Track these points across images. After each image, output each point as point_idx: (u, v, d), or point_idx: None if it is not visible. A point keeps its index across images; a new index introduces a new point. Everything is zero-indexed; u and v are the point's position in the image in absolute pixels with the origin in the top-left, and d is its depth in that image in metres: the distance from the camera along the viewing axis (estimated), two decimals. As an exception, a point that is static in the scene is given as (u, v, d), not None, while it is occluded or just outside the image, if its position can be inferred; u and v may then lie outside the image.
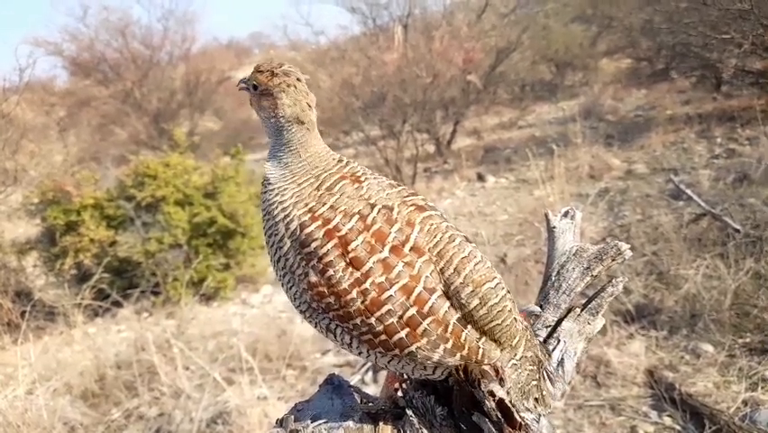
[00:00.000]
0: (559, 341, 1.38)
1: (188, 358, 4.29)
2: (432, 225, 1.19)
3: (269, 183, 1.25)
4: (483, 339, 1.17)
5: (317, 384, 1.43)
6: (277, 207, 1.21)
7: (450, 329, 1.14)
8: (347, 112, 9.48)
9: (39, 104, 11.30)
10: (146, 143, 12.13)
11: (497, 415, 1.16)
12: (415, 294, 1.12)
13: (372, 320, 1.12)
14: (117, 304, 5.76)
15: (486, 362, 1.17)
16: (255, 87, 1.27)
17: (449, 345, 1.14)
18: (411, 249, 1.14)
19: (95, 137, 12.49)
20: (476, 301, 1.15)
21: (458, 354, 1.15)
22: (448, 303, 1.14)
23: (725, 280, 4.18)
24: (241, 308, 6.20)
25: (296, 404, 1.30)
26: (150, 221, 6.27)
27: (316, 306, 1.16)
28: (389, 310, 1.11)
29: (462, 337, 1.15)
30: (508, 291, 1.23)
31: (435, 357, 1.14)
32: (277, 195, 1.22)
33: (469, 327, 1.16)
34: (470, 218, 7.46)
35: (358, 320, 1.13)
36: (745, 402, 3.31)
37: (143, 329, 5.19)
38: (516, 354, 1.20)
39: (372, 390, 3.75)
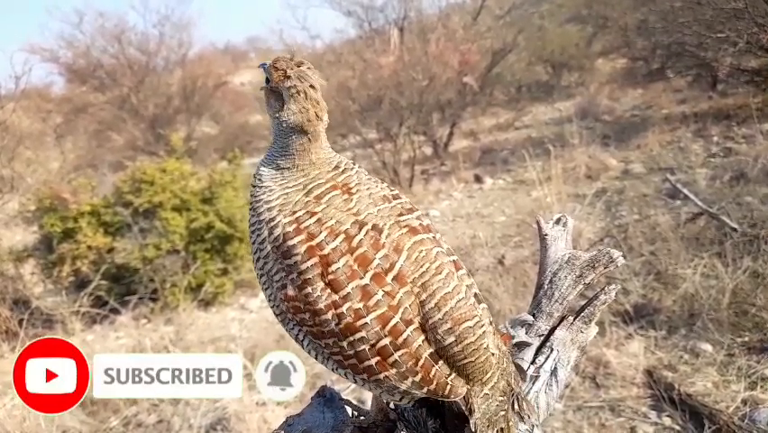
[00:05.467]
0: (552, 350, 1.37)
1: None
2: (421, 252, 1.14)
3: (260, 180, 1.23)
4: (453, 376, 1.14)
5: (315, 389, 1.42)
6: (262, 206, 1.18)
7: (420, 363, 1.11)
8: (344, 115, 9.47)
9: (35, 111, 11.27)
10: (143, 149, 12.09)
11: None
12: (391, 324, 1.08)
13: (344, 344, 1.09)
14: (115, 311, 5.74)
15: (452, 397, 1.15)
16: (268, 81, 1.23)
17: (417, 379, 1.11)
18: (394, 278, 1.10)
19: (91, 143, 12.44)
20: (452, 339, 1.12)
21: (425, 388, 1.12)
22: (423, 336, 1.11)
23: (723, 279, 4.17)
24: (239, 313, 6.18)
25: (287, 418, 1.29)
26: (148, 227, 6.26)
27: (291, 317, 1.14)
28: (363, 337, 1.08)
29: (432, 373, 1.12)
30: (491, 323, 1.19)
31: (402, 387, 1.12)
32: (264, 193, 1.20)
33: (440, 362, 1.13)
34: (467, 220, 7.46)
35: (330, 340, 1.10)
36: (744, 401, 3.30)
37: (142, 336, 5.18)
38: (487, 386, 1.18)
39: (370, 396, 3.74)
